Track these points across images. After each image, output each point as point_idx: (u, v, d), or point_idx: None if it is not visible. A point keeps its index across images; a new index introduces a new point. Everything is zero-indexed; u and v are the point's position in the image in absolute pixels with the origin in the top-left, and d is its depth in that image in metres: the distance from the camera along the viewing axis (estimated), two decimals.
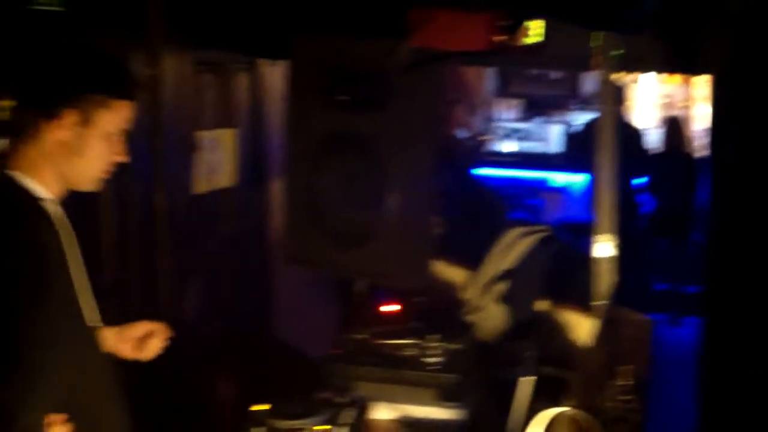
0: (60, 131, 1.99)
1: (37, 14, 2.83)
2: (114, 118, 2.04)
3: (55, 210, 2.05)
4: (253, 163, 4.37)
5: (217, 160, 4.05)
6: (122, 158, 2.11)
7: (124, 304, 2.52)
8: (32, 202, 2.01)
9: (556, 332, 3.31)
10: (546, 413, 2.29)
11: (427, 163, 2.93)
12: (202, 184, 3.92)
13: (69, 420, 1.97)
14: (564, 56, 3.00)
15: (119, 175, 2.22)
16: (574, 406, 2.38)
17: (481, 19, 2.49)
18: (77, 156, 2.02)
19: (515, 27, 2.56)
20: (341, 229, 2.97)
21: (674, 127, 7.79)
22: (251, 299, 4.39)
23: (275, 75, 4.35)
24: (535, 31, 2.66)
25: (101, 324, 2.21)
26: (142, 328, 2.40)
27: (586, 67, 2.68)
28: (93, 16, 2.96)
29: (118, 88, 2.05)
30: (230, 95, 4.16)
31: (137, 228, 3.40)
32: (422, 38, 2.56)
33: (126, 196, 3.30)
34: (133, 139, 2.19)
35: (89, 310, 2.12)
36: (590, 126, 7.61)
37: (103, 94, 2.01)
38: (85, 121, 2.00)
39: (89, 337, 2.13)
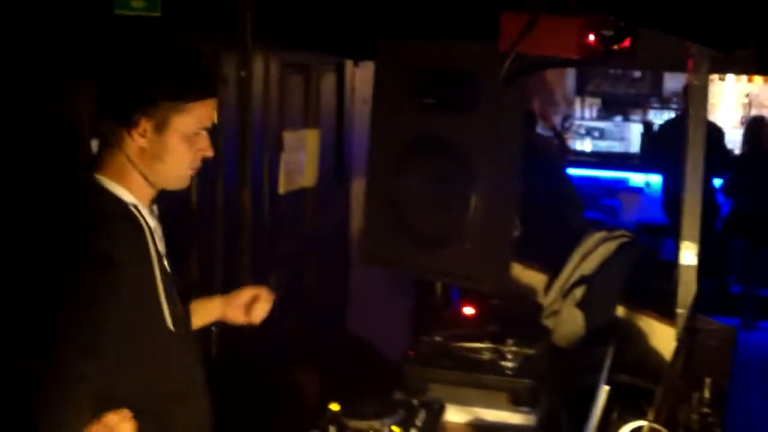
0: (138, 138, 2.01)
1: (128, 20, 2.89)
2: (190, 120, 2.04)
3: (141, 215, 2.08)
4: (335, 163, 4.40)
5: (300, 161, 4.09)
6: (208, 154, 2.11)
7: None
8: (120, 206, 2.04)
9: (634, 339, 3.29)
10: (625, 428, 2.27)
11: (512, 165, 2.92)
12: (285, 184, 3.98)
13: (144, 420, 2.01)
14: (655, 58, 2.96)
15: (205, 173, 2.25)
16: (651, 419, 2.35)
17: (574, 24, 2.44)
18: (158, 160, 2.04)
19: (614, 35, 2.51)
20: (422, 230, 2.96)
21: (757, 126, 7.61)
22: (330, 298, 4.42)
23: (360, 76, 4.38)
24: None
25: (185, 327, 2.25)
26: (247, 293, 2.49)
27: (678, 69, 2.64)
28: (184, 19, 3.01)
29: (189, 91, 2.04)
30: (316, 96, 4.19)
31: (222, 226, 3.46)
32: (513, 42, 2.52)
33: (212, 194, 3.37)
34: (221, 138, 2.22)
35: (174, 314, 2.14)
36: (670, 125, 7.50)
37: (175, 100, 2.01)
38: (161, 127, 2.01)
39: (172, 341, 2.16)
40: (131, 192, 2.06)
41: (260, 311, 2.48)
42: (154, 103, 1.99)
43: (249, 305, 2.47)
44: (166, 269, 2.13)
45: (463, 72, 2.82)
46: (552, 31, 2.45)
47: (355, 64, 4.32)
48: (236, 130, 3.36)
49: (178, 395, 2.19)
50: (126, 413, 1.98)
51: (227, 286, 3.50)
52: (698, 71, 2.91)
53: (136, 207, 2.07)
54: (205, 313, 2.43)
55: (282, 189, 3.96)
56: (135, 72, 2.02)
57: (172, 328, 2.12)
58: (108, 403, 1.95)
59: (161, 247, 2.14)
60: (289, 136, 4.00)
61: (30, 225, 1.99)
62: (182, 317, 2.23)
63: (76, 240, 1.91)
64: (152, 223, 2.11)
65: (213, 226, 3.44)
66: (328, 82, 4.29)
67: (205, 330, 2.51)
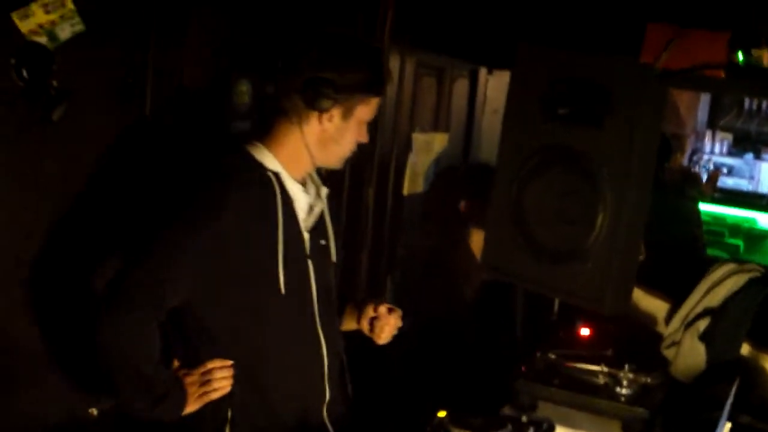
0: (325, 122, 2.24)
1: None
2: (369, 110, 2.30)
3: (280, 182, 2.24)
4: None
5: (426, 163, 4.06)
6: (365, 140, 2.34)
7: None
8: (256, 168, 2.22)
9: (758, 380, 3.14)
10: None
11: (643, 185, 2.83)
12: (410, 185, 3.96)
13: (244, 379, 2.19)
14: None
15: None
16: None
17: (721, 38, 2.37)
18: (334, 143, 2.27)
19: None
20: (545, 244, 2.90)
21: None
22: (446, 305, 4.36)
23: (493, 85, 4.35)
24: None
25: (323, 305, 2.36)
26: (371, 308, 2.55)
27: None
28: (326, 9, 3.04)
29: (378, 87, 2.30)
30: (447, 100, 4.17)
31: (345, 222, 3.46)
32: (657, 55, 2.45)
33: (338, 191, 3.38)
34: None
35: (291, 281, 2.24)
36: None
37: (367, 95, 2.26)
38: (347, 115, 2.25)
39: (284, 307, 2.26)
40: (282, 162, 2.25)
41: (384, 333, 2.53)
42: (349, 95, 2.22)
43: (374, 321, 2.53)
44: (302, 240, 2.29)
45: (602, 84, 2.75)
46: (699, 45, 2.37)
47: (489, 72, 4.29)
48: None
49: (286, 363, 2.30)
50: (227, 363, 2.20)
51: (343, 282, 3.52)
52: None
53: (277, 175, 2.23)
54: (351, 318, 2.57)
55: (406, 191, 3.94)
56: (334, 63, 2.21)
57: (283, 292, 2.22)
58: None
59: (302, 217, 2.30)
60: (418, 138, 4.00)
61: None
62: (314, 292, 2.33)
63: (195, 192, 2.18)
64: (298, 194, 2.28)
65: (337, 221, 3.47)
66: (461, 87, 4.26)
67: None
